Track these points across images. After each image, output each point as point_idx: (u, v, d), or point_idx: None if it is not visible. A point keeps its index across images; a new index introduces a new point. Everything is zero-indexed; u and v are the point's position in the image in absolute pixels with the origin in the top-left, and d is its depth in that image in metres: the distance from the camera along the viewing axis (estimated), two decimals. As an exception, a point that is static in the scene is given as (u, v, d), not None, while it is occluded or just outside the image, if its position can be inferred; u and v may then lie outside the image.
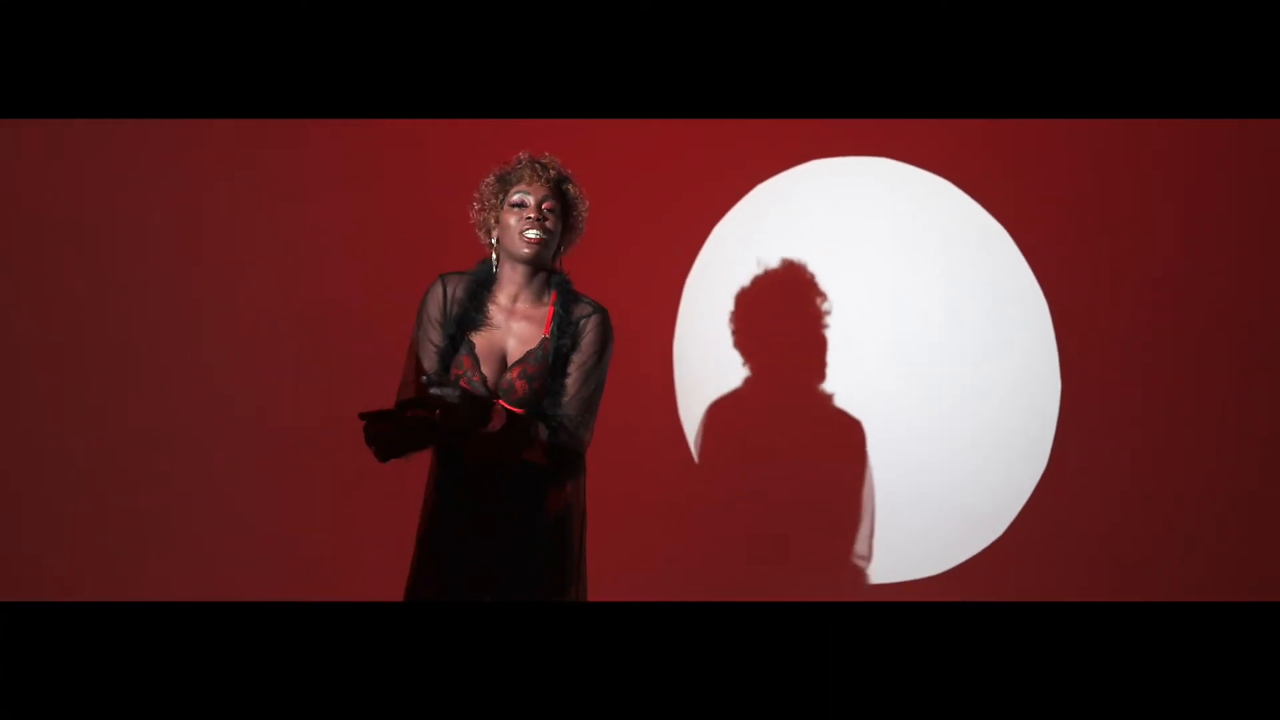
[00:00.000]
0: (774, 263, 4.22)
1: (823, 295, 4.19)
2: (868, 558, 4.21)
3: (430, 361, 3.00)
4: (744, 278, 4.23)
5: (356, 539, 4.37)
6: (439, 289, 3.03)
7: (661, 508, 4.33)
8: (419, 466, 3.17)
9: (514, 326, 3.02)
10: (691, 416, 4.43)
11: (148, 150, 4.43)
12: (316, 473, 4.44)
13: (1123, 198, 4.24)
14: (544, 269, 3.04)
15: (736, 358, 4.25)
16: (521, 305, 3.03)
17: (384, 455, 2.87)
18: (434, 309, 3.02)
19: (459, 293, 3.01)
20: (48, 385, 4.42)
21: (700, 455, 4.31)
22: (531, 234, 2.98)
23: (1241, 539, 4.13)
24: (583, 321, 3.04)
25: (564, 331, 3.01)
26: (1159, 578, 4.10)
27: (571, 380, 3.02)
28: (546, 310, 3.04)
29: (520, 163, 3.05)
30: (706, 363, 4.37)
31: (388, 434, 2.83)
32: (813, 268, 4.21)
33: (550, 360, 2.99)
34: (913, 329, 4.23)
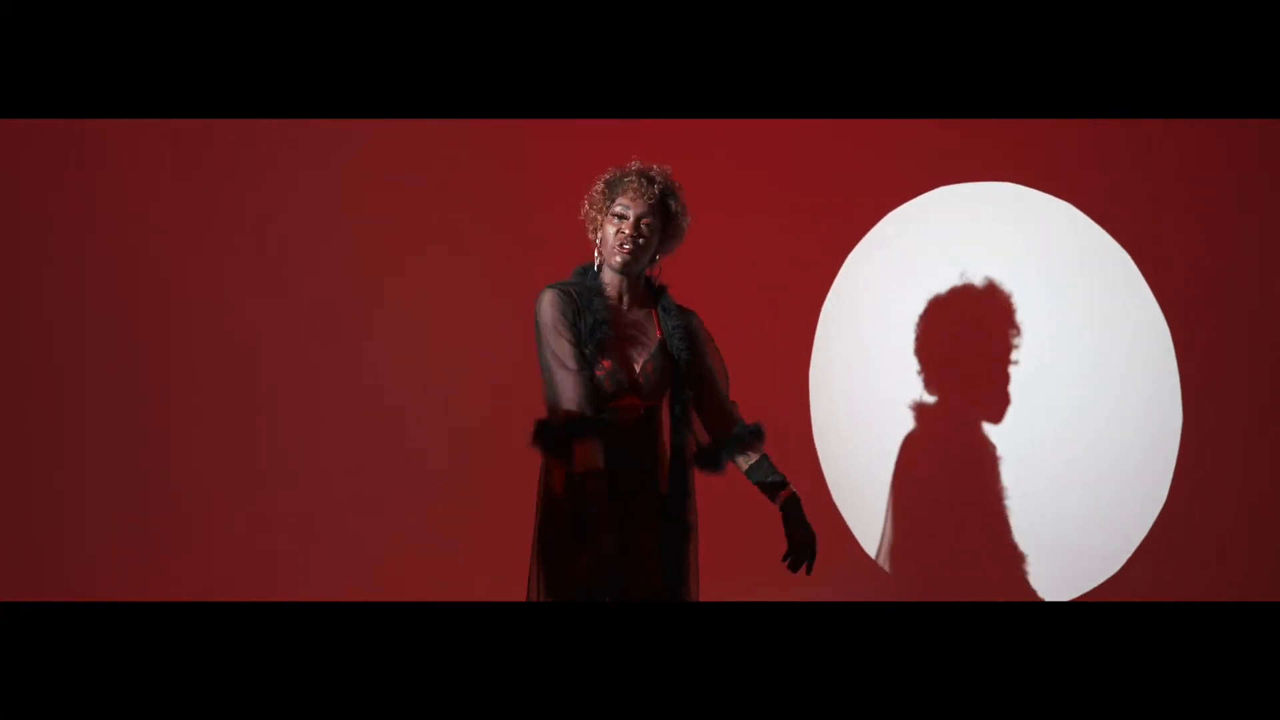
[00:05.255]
0: (941, 289, 4.18)
1: (1015, 328, 4.12)
2: None
3: (576, 360, 3.05)
4: (913, 303, 4.21)
5: (356, 540, 4.47)
6: (558, 298, 3.08)
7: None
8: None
9: (631, 325, 3.16)
10: (826, 444, 4.43)
11: (148, 150, 4.45)
12: (317, 473, 4.51)
13: (1249, 209, 3.99)
14: (639, 276, 3.16)
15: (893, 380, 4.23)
16: (629, 305, 3.17)
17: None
18: (563, 314, 3.08)
19: (581, 305, 3.09)
20: (49, 385, 4.42)
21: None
22: (625, 248, 3.10)
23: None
24: (695, 325, 3.23)
25: (680, 338, 3.17)
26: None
27: (720, 380, 3.28)
28: (651, 313, 3.19)
29: (630, 173, 3.17)
30: (841, 393, 4.41)
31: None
32: (960, 294, 4.17)
33: (675, 362, 3.15)
34: (1039, 356, 4.10)
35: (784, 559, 3.21)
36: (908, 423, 4.19)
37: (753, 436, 3.25)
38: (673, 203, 3.17)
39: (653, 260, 3.20)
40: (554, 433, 3.00)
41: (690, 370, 3.20)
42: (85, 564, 4.36)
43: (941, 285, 4.16)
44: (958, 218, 4.26)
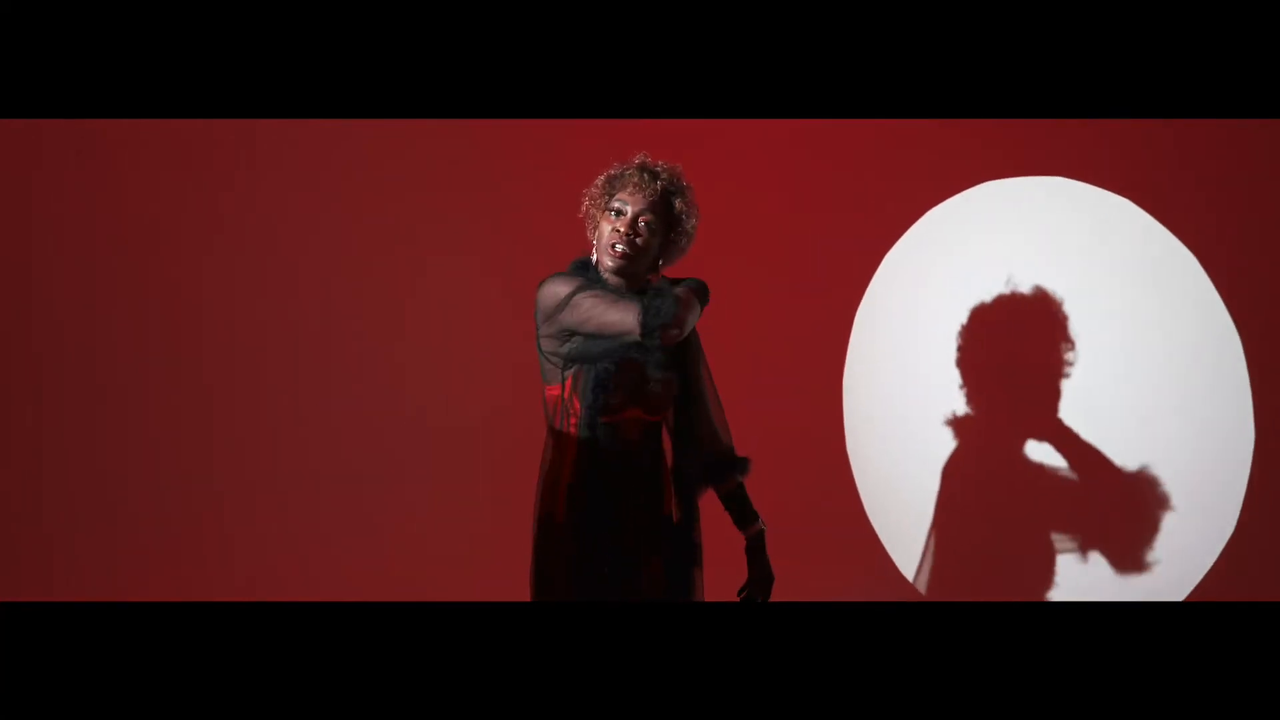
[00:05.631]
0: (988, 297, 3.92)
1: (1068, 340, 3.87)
2: None
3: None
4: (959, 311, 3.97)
5: (357, 540, 4.48)
6: (564, 275, 2.90)
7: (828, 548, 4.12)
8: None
9: None
10: (859, 454, 4.24)
11: (149, 150, 4.50)
12: (319, 473, 4.53)
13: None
14: (638, 280, 2.93)
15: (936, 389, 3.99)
16: None
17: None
18: (572, 279, 2.89)
19: None
20: (52, 385, 4.47)
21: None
22: (619, 248, 2.88)
23: None
24: (694, 337, 3.01)
25: (685, 348, 2.97)
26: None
27: (713, 400, 3.06)
28: None
29: (631, 167, 2.95)
30: (876, 401, 4.20)
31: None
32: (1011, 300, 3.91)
33: (682, 374, 2.97)
34: (1094, 366, 3.83)
35: (739, 592, 3.08)
36: (948, 440, 3.96)
37: (739, 467, 3.07)
38: (678, 202, 2.92)
39: (654, 266, 2.94)
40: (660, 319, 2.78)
41: (694, 386, 3.01)
42: (93, 564, 4.39)
43: (986, 289, 3.92)
44: (1004, 215, 4.03)
